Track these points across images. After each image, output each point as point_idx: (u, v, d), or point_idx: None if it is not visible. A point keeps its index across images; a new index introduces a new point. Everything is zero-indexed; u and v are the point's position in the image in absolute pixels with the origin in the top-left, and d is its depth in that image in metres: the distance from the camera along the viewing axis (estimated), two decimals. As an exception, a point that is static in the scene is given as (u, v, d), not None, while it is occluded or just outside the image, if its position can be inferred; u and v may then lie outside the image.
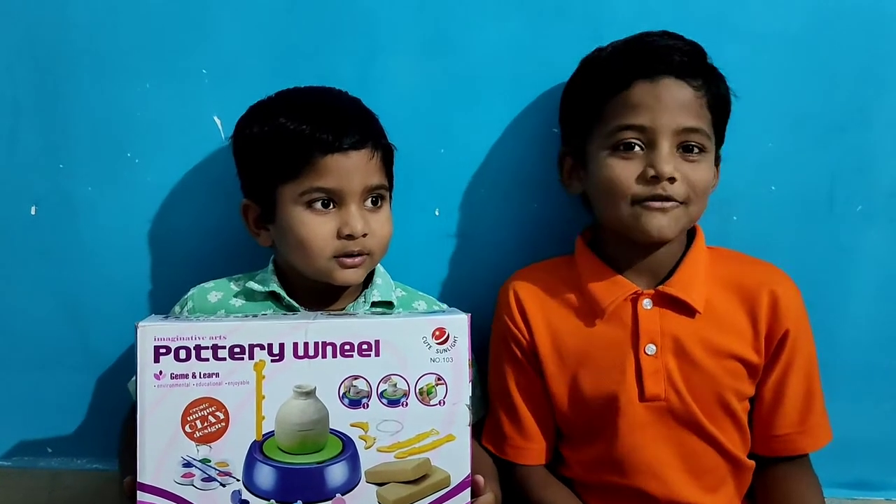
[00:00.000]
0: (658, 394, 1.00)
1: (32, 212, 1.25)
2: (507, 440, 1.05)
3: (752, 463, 1.06)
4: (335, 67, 1.19)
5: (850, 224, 1.22)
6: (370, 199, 1.08)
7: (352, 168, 1.04)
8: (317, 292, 1.10)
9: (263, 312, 1.11)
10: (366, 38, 1.20)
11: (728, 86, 1.06)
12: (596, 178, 1.03)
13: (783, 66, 1.17)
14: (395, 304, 1.14)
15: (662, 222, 0.99)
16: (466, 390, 0.95)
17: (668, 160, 0.98)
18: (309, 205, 1.05)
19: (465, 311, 0.96)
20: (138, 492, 0.90)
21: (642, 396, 1.00)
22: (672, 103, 0.98)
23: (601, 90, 1.02)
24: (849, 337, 1.23)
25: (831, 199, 1.22)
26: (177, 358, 0.91)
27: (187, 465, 0.91)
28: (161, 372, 0.90)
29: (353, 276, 1.08)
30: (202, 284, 1.14)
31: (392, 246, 1.12)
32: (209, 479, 0.91)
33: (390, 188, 1.12)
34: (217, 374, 0.91)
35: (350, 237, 1.05)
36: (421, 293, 1.18)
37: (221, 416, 0.92)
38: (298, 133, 1.03)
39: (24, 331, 1.27)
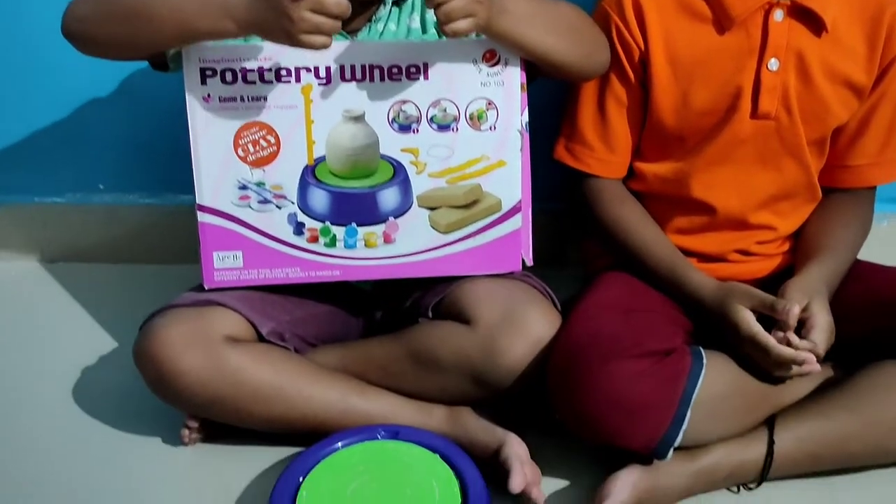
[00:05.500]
0: (770, 112, 0.99)
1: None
2: (592, 151, 1.05)
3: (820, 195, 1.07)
4: None
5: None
6: None
7: None
8: None
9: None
10: None
11: None
12: None
13: None
14: None
15: None
16: (518, 115, 0.96)
17: None
18: None
19: None
20: (198, 212, 0.96)
21: (754, 113, 0.99)
22: None
23: None
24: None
25: None
26: (223, 80, 0.92)
27: (243, 187, 0.96)
28: (209, 95, 0.92)
29: None
30: None
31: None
32: (265, 201, 0.96)
33: None
34: (265, 98, 0.93)
35: None
36: None
37: (272, 141, 0.94)
38: None
39: (65, 69, 1.28)
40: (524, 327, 0.94)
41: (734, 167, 1.03)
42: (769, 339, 0.92)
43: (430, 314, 0.99)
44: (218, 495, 0.96)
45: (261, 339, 0.99)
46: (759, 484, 0.95)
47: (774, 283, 0.99)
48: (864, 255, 1.07)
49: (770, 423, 0.95)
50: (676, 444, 0.89)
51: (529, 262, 1.02)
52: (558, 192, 1.14)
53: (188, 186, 0.96)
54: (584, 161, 1.06)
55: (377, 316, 1.11)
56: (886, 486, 0.97)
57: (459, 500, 0.87)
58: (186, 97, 0.92)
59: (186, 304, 0.98)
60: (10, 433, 1.06)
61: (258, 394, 0.95)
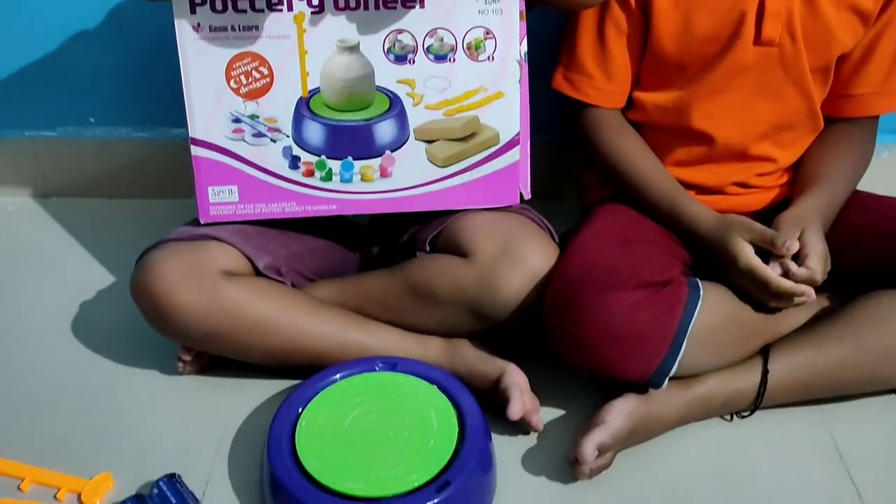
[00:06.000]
0: (773, 38, 0.97)
1: None
2: (591, 80, 1.04)
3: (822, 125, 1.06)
4: None
5: None
6: None
7: None
8: None
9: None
10: None
11: None
12: None
13: None
14: None
15: None
16: (516, 45, 0.93)
17: None
18: None
19: None
20: (191, 146, 0.94)
21: (757, 40, 0.97)
22: None
23: None
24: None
25: None
26: (213, 8, 0.90)
27: (236, 120, 0.94)
28: (199, 24, 0.90)
29: None
30: None
31: None
32: (259, 134, 0.95)
33: None
34: (257, 27, 0.91)
35: None
36: None
37: (265, 72, 0.92)
38: None
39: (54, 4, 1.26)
40: (522, 260, 0.94)
41: (735, 96, 1.01)
42: (768, 272, 0.92)
43: (428, 248, 0.99)
44: (218, 426, 0.97)
45: (257, 273, 0.99)
46: (752, 412, 0.97)
47: (772, 215, 0.99)
48: (864, 186, 1.06)
49: (765, 352, 0.96)
50: (672, 373, 0.90)
51: (527, 196, 1.01)
52: (557, 123, 1.12)
53: (180, 120, 0.94)
54: (583, 90, 1.04)
55: (374, 251, 1.11)
56: (878, 413, 0.99)
57: (457, 430, 0.88)
58: (175, 27, 0.89)
59: (182, 239, 0.97)
60: (8, 368, 1.07)
61: (256, 327, 0.95)
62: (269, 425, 0.89)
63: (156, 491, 0.86)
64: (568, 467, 0.90)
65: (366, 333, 0.99)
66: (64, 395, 1.02)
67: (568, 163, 1.25)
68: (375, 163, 0.97)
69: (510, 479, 0.91)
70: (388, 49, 0.92)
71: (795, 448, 0.95)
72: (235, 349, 0.98)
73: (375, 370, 0.96)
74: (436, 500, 0.81)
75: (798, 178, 1.06)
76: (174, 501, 0.85)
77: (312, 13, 0.90)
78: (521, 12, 0.93)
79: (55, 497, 0.88)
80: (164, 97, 1.17)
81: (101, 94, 1.33)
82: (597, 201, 1.09)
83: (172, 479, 0.87)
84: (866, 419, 0.98)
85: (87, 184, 1.39)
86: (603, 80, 1.03)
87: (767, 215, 1.00)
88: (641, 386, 0.91)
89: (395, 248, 1.05)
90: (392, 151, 0.97)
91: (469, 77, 0.94)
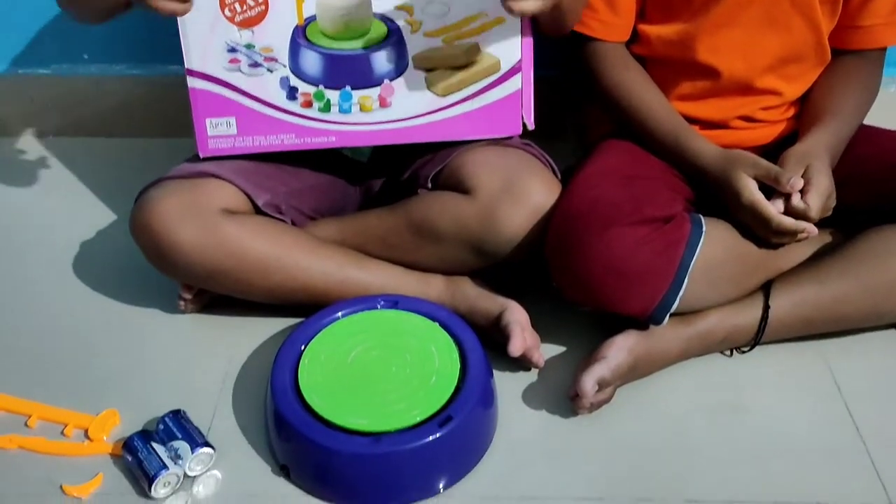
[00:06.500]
0: None
1: None
2: (595, 13, 1.01)
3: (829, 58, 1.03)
4: None
5: None
6: None
7: None
8: None
9: None
10: None
11: None
12: None
13: None
14: None
15: None
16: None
17: None
18: None
19: None
20: (188, 77, 0.92)
21: None
22: None
23: None
24: None
25: None
26: None
27: (232, 50, 0.91)
28: (191, -51, 0.85)
29: None
30: None
31: None
32: (256, 64, 0.92)
33: None
34: (249, -46, 0.86)
35: None
36: None
37: (260, -1, 0.88)
38: None
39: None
40: (524, 196, 0.92)
41: (741, 29, 0.98)
42: (769, 209, 0.90)
43: (430, 185, 0.97)
44: (221, 363, 0.96)
45: (257, 211, 0.97)
46: (752, 347, 0.96)
47: (778, 150, 0.97)
48: (871, 119, 1.04)
49: (766, 288, 0.95)
50: (673, 309, 0.89)
51: (531, 125, 0.98)
52: (557, 58, 1.08)
53: (177, 56, 0.91)
54: (587, 24, 1.01)
55: (375, 188, 1.09)
56: (876, 348, 0.98)
57: (459, 366, 0.87)
58: (169, -47, 0.86)
59: (181, 176, 0.95)
60: (11, 308, 1.06)
61: (256, 265, 0.94)
62: (272, 362, 0.88)
63: (161, 427, 0.86)
64: (568, 402, 0.90)
65: (366, 271, 0.98)
66: (67, 334, 1.01)
67: (566, 98, 1.23)
68: (374, 92, 0.94)
69: (511, 414, 0.90)
70: (385, -27, 0.89)
71: (794, 382, 0.95)
72: (236, 287, 0.96)
73: (377, 308, 0.94)
74: (438, 435, 0.81)
75: (805, 113, 1.03)
76: (180, 436, 0.84)
77: (307, -64, 0.86)
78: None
79: (62, 433, 0.88)
80: (159, 32, 1.13)
81: (94, 29, 1.28)
82: (599, 137, 1.06)
83: (178, 415, 0.87)
84: (865, 354, 0.97)
85: (82, 122, 1.36)
86: (607, 12, 1.00)
87: (773, 150, 0.98)
88: (643, 322, 0.90)
89: (397, 185, 1.03)
90: (391, 80, 0.93)
91: (469, 2, 0.90)
